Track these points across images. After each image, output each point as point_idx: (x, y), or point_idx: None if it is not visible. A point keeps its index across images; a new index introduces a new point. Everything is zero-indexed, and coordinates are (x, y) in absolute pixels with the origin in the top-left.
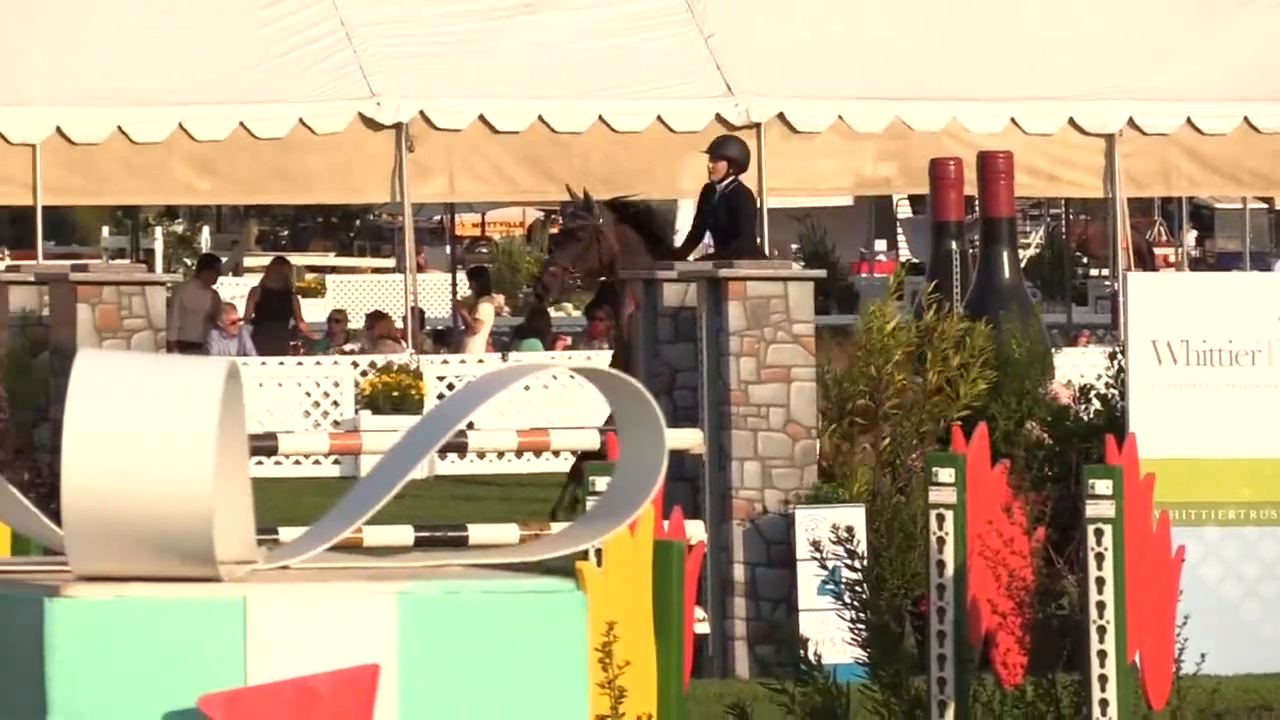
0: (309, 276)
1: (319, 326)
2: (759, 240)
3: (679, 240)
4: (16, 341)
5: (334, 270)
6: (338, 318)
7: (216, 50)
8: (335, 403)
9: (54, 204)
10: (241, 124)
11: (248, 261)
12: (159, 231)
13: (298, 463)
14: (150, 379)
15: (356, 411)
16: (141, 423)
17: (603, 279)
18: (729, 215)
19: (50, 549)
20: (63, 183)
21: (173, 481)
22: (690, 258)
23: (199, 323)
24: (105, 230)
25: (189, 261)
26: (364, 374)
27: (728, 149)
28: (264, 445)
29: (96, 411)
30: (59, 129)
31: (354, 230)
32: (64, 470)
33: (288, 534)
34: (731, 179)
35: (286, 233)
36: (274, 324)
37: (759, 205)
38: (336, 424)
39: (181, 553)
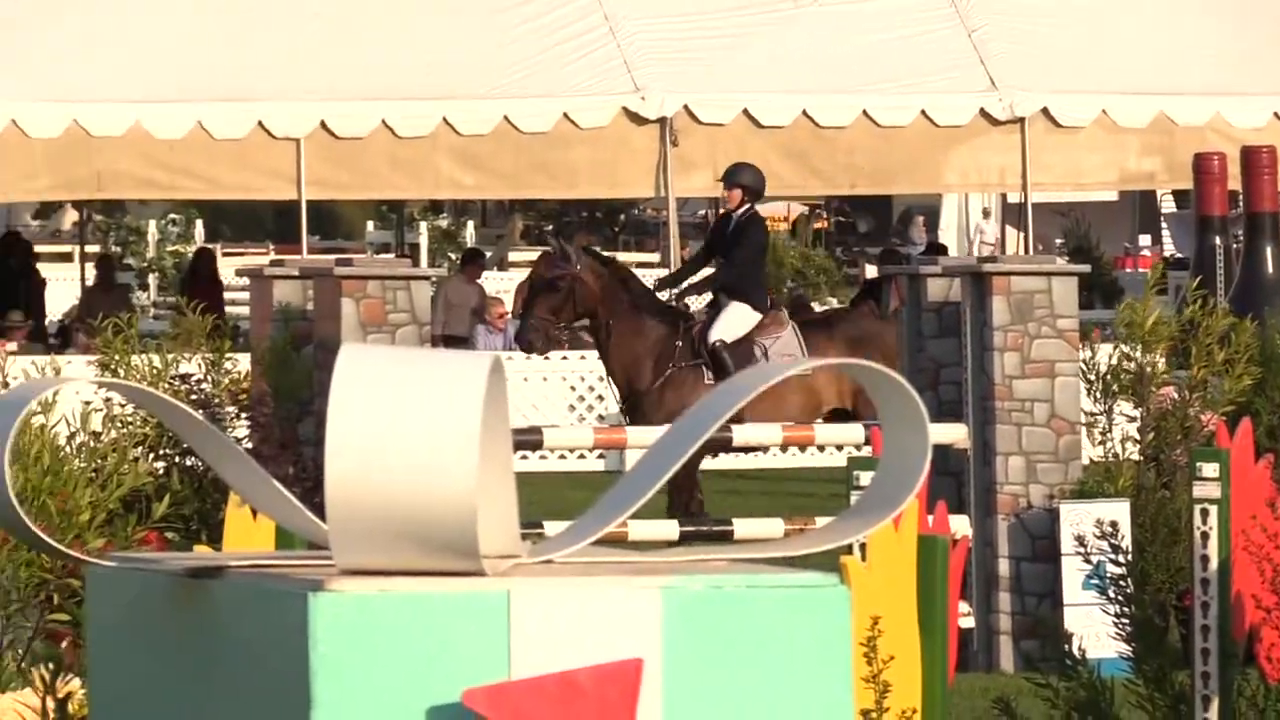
0: None
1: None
2: (758, 266)
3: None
4: (279, 336)
5: None
6: None
7: (481, 45)
8: (600, 397)
9: (318, 199)
10: (506, 118)
11: (512, 256)
12: (424, 226)
13: (563, 457)
14: (414, 373)
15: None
16: (405, 417)
17: (585, 325)
18: (736, 244)
19: (314, 543)
20: (327, 177)
21: (436, 476)
22: (689, 281)
23: (464, 317)
24: (370, 225)
25: (453, 256)
26: None
27: (742, 177)
28: (529, 440)
29: (360, 406)
30: (323, 123)
31: (618, 225)
32: (327, 464)
33: (552, 528)
34: (748, 207)
35: (551, 227)
36: None
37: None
38: (601, 418)
39: (445, 547)
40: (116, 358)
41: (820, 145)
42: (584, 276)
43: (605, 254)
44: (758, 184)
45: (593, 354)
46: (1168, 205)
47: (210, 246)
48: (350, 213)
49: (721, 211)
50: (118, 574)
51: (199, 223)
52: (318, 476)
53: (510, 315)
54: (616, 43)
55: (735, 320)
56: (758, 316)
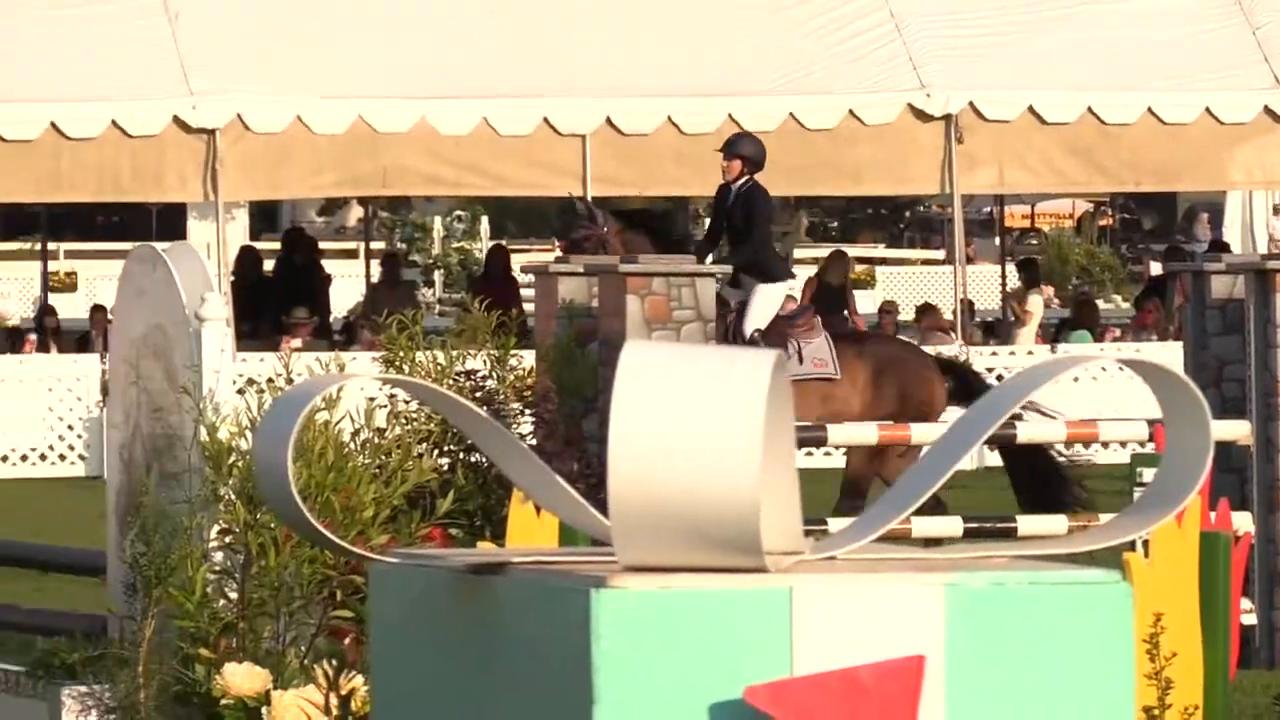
0: (859, 268)
1: (869, 318)
2: (769, 240)
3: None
4: (564, 332)
5: (883, 262)
6: (887, 309)
7: (768, 43)
8: None
9: (604, 195)
10: (792, 115)
11: (797, 253)
12: (708, 222)
13: (846, 453)
14: (698, 370)
15: None
16: (688, 414)
17: None
18: (744, 216)
19: (597, 540)
20: (612, 174)
21: (719, 473)
22: (707, 260)
23: None
24: None
25: None
26: None
27: (742, 147)
28: (813, 436)
29: (643, 403)
30: (609, 120)
31: (903, 221)
32: (610, 461)
33: (836, 525)
34: (747, 178)
35: (836, 224)
36: (828, 316)
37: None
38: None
39: (728, 544)
40: (401, 354)
41: (1105, 142)
42: (609, 237)
43: (635, 217)
44: (758, 155)
45: None
46: None
47: (503, 243)
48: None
49: (721, 183)
50: (401, 570)
51: (484, 219)
52: (602, 473)
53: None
54: (902, 40)
55: (766, 303)
56: (784, 288)
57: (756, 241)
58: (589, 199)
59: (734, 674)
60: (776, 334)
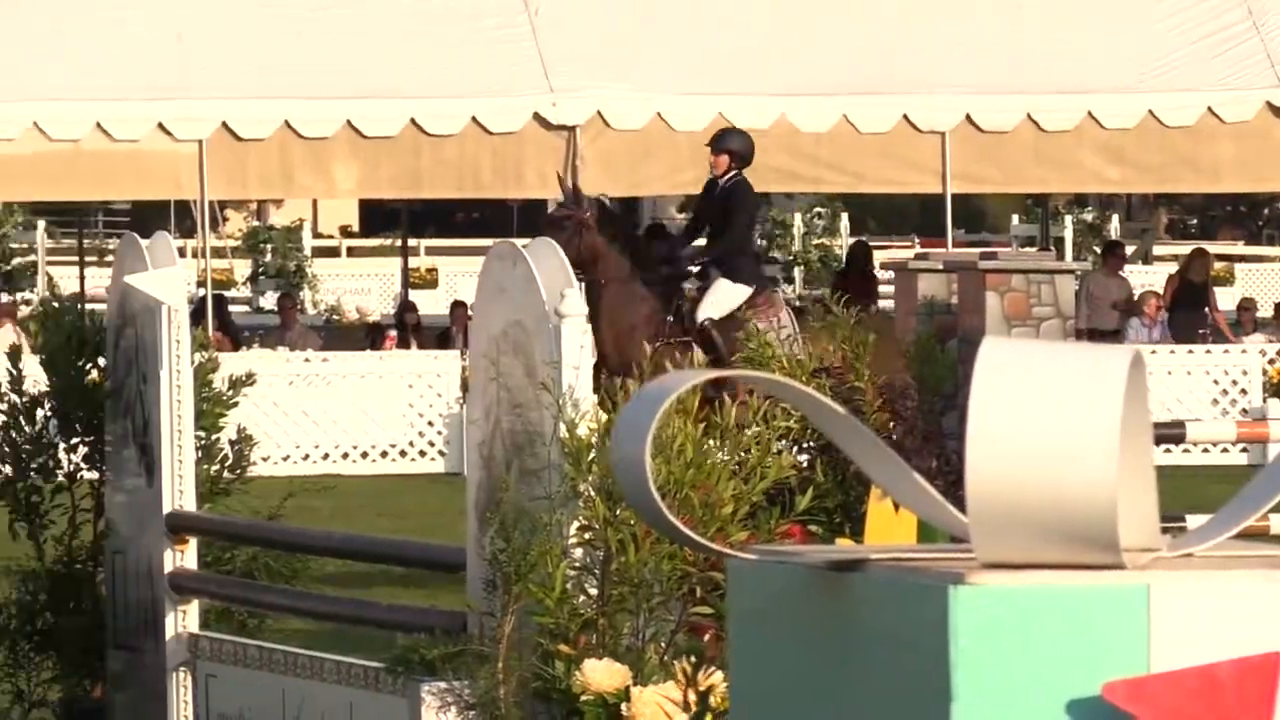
0: (1218, 265)
1: (1229, 314)
2: (750, 235)
3: None
4: (924, 328)
5: (1242, 259)
6: (1246, 306)
7: (1124, 39)
8: (1244, 391)
9: (964, 192)
10: (1150, 112)
11: (1156, 250)
12: (1068, 219)
13: (1206, 450)
14: (1055, 367)
15: (1264, 399)
16: (1046, 410)
17: (580, 276)
18: (722, 210)
19: (956, 537)
20: (973, 171)
21: (1077, 469)
22: (683, 253)
23: (1106, 310)
24: (1015, 218)
25: (1097, 250)
26: (1271, 362)
27: (729, 142)
28: (1171, 433)
29: (1001, 399)
30: (968, 116)
31: (1262, 219)
32: (968, 457)
33: (1194, 522)
34: (734, 173)
35: (1195, 221)
36: (1189, 313)
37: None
38: (1245, 412)
39: (1085, 540)
40: (761, 351)
41: None
42: (589, 224)
43: (615, 212)
44: (746, 150)
45: (1236, 348)
46: None
47: (864, 239)
48: (996, 205)
49: (709, 177)
50: (759, 567)
51: (844, 215)
52: (960, 470)
53: (1161, 307)
54: (1260, 37)
55: (723, 297)
56: (746, 291)
57: (731, 237)
58: (575, 186)
59: (1091, 671)
60: (731, 324)
